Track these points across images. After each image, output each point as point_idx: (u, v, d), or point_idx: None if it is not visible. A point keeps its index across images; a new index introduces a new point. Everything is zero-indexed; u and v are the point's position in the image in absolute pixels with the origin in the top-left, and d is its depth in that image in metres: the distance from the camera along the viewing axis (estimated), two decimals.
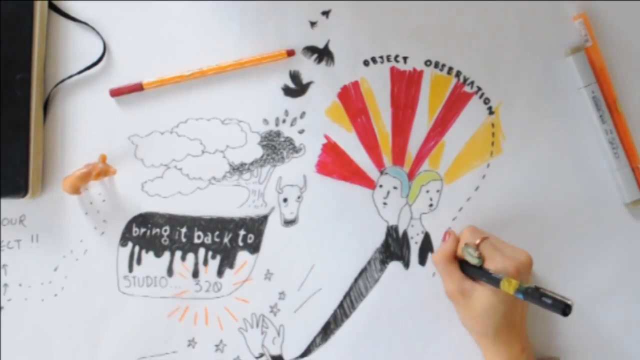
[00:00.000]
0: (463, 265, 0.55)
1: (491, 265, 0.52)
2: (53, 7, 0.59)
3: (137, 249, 0.60)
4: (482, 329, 0.53)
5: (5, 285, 0.59)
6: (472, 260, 0.53)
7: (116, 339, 0.59)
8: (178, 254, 0.60)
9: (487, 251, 0.53)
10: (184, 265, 0.60)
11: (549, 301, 0.47)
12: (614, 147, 0.58)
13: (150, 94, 0.59)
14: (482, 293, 0.52)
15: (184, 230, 0.60)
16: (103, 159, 0.58)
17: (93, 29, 0.59)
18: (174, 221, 0.60)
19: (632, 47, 0.60)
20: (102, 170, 0.57)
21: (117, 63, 0.59)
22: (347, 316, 0.60)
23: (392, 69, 0.60)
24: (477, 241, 0.54)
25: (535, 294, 0.48)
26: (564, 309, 0.46)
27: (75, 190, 0.58)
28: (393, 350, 0.59)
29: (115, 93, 0.59)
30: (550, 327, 0.60)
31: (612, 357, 0.60)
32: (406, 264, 0.60)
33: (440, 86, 0.60)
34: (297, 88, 0.60)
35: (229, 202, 0.60)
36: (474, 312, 0.53)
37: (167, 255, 0.60)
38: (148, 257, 0.60)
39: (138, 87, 0.59)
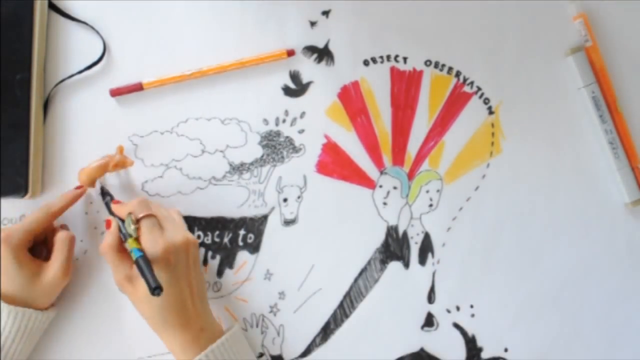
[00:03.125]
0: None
1: (143, 242, 0.51)
2: (53, 7, 0.59)
3: None
4: (149, 313, 0.52)
5: None
6: (128, 229, 0.52)
7: (116, 338, 0.59)
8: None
9: (145, 227, 0.52)
10: None
11: (144, 277, 0.49)
12: (614, 147, 0.58)
13: (150, 93, 0.59)
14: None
15: None
16: (120, 150, 0.58)
17: (93, 28, 0.59)
18: None
19: (632, 47, 0.60)
20: (119, 162, 0.57)
21: (117, 63, 0.59)
22: (347, 316, 0.60)
23: (392, 69, 0.60)
24: (141, 215, 0.52)
25: (138, 265, 0.49)
26: (154, 289, 0.47)
27: (92, 183, 0.58)
28: (393, 350, 0.59)
29: (115, 93, 0.59)
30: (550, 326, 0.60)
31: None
32: (406, 264, 0.60)
33: (440, 86, 0.60)
34: (297, 88, 0.60)
35: (229, 202, 0.60)
36: (139, 297, 0.52)
37: None
38: None
39: (138, 87, 0.59)
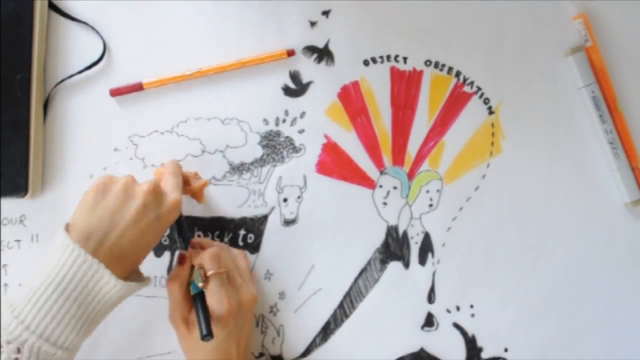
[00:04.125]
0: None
1: (208, 299, 0.51)
2: (53, 7, 0.59)
3: None
4: (194, 356, 0.53)
5: (5, 285, 0.59)
6: (196, 281, 0.52)
7: (116, 338, 0.59)
8: (178, 253, 0.60)
9: (213, 284, 0.51)
10: None
11: (199, 323, 0.50)
12: (614, 147, 0.58)
13: (150, 93, 0.59)
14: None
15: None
16: (202, 184, 0.57)
17: (93, 28, 0.59)
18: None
19: (632, 47, 0.60)
20: (197, 190, 0.56)
21: (117, 63, 0.59)
22: (347, 316, 0.60)
23: (392, 69, 0.60)
24: (210, 272, 0.52)
25: (197, 312, 0.51)
26: (203, 336, 0.49)
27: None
28: (393, 349, 0.59)
29: (116, 93, 0.59)
30: (542, 327, 0.60)
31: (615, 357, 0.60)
32: (406, 264, 0.60)
33: (440, 86, 0.60)
34: (297, 88, 0.60)
35: (229, 201, 0.60)
36: (189, 339, 0.53)
37: (167, 255, 0.60)
38: (148, 257, 0.59)
39: (138, 87, 0.59)
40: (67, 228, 0.48)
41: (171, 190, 0.52)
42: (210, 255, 0.52)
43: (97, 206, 0.49)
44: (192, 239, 0.57)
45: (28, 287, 0.46)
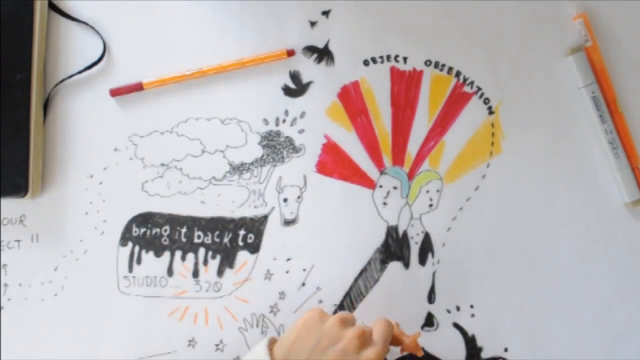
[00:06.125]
0: None
1: None
2: (53, 7, 0.59)
3: (137, 248, 0.60)
4: None
5: (5, 285, 0.59)
6: None
7: (116, 338, 0.59)
8: (178, 253, 0.60)
9: None
10: (184, 265, 0.60)
11: None
12: (614, 147, 0.58)
13: (150, 93, 0.59)
14: None
15: (184, 230, 0.60)
16: (413, 339, 0.56)
17: (93, 28, 0.59)
18: (174, 221, 0.60)
19: (632, 47, 0.60)
20: (411, 347, 0.55)
21: (117, 63, 0.59)
22: None
23: (392, 69, 0.60)
24: None
25: None
26: None
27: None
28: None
29: (116, 93, 0.59)
30: (544, 327, 0.60)
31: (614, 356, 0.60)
32: (406, 264, 0.60)
33: (440, 86, 0.60)
34: (297, 88, 0.60)
35: (229, 202, 0.60)
36: None
37: (167, 255, 0.60)
38: (148, 257, 0.60)
39: (138, 87, 0.59)
40: (271, 345, 0.51)
41: (378, 340, 0.52)
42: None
43: (298, 341, 0.50)
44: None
45: None
